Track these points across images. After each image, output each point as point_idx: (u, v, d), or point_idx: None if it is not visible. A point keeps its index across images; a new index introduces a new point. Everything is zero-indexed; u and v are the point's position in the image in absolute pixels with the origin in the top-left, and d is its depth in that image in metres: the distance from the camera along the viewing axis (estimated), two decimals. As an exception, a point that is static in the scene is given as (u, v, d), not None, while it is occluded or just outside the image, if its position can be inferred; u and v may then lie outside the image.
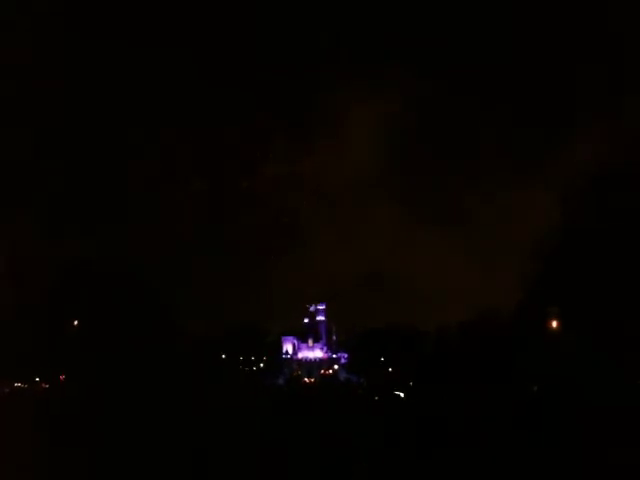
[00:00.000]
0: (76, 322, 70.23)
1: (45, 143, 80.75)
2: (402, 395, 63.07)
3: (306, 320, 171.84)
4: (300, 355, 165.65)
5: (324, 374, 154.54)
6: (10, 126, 68.82)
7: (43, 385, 75.58)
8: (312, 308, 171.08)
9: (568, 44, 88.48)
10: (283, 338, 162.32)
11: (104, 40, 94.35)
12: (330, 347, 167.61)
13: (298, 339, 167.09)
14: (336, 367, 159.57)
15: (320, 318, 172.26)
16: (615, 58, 71.22)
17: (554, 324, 59.58)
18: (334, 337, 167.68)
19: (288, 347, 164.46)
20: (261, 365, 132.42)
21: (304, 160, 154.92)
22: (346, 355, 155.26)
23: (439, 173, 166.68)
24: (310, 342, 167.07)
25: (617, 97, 73.91)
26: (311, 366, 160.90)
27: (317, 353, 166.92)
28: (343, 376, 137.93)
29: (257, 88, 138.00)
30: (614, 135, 64.45)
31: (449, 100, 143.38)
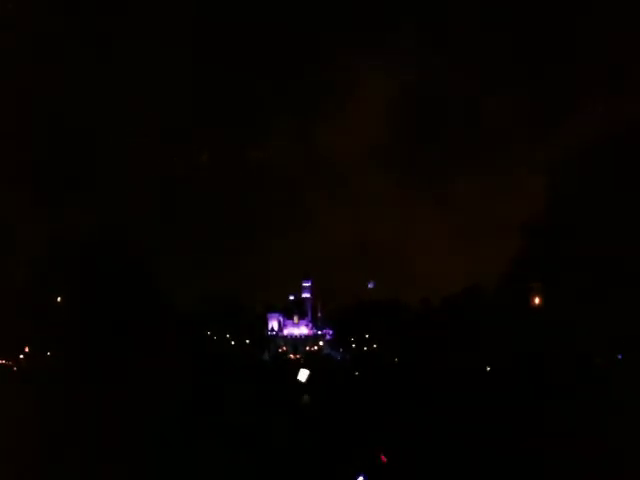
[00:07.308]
0: (59, 299, 70.06)
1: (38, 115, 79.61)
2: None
3: (292, 297, 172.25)
4: (286, 332, 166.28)
5: (309, 350, 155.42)
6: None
7: (26, 361, 75.29)
8: (305, 283, 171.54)
9: (566, 28, 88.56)
10: (268, 315, 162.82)
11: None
12: (315, 324, 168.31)
13: (283, 316, 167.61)
14: (321, 343, 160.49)
15: (306, 295, 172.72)
16: (613, 40, 71.56)
17: (536, 300, 60.14)
18: (319, 314, 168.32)
19: (274, 324, 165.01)
20: (247, 341, 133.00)
21: (301, 135, 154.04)
22: (331, 331, 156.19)
23: (427, 154, 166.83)
24: (296, 319, 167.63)
25: (606, 80, 74.36)
26: (297, 342, 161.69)
27: (302, 330, 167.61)
28: (326, 352, 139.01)
29: (258, 60, 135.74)
30: (600, 115, 64.90)
31: (441, 83, 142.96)
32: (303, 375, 30.74)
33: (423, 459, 21.08)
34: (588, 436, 22.43)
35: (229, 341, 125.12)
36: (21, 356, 75.99)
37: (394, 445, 22.46)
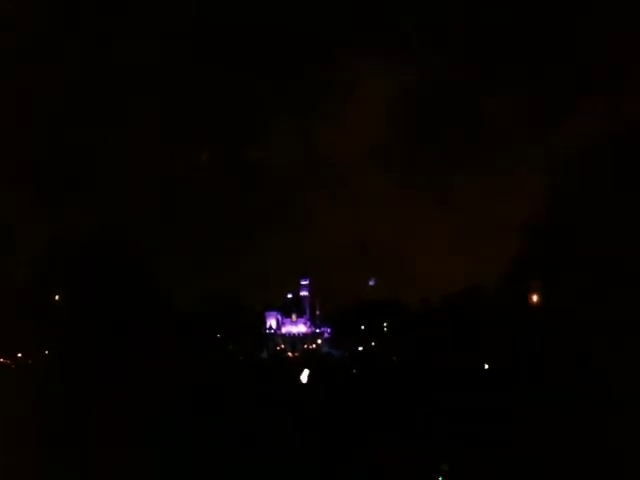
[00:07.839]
0: (57, 297, 70.01)
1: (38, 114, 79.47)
2: None
3: (289, 295, 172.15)
4: (284, 330, 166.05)
5: (308, 348, 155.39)
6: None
7: (25, 360, 75.15)
8: (304, 281, 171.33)
9: (566, 28, 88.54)
10: (267, 313, 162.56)
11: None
12: (314, 322, 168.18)
13: (282, 314, 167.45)
14: (319, 341, 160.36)
15: (304, 293, 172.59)
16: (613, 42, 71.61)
17: (536, 299, 60.13)
18: (317, 312, 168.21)
19: (272, 322, 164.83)
20: (245, 341, 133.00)
21: (301, 135, 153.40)
22: (329, 330, 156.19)
23: (427, 154, 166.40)
24: (294, 317, 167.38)
25: (606, 80, 74.49)
26: (295, 341, 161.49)
27: (301, 328, 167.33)
28: (325, 350, 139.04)
29: (258, 60, 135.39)
30: (600, 115, 64.99)
31: (441, 83, 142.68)
32: (304, 376, 30.76)
33: (423, 458, 21.11)
34: (588, 436, 22.45)
35: (229, 341, 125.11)
36: (19, 355, 75.85)
37: (394, 445, 22.48)
